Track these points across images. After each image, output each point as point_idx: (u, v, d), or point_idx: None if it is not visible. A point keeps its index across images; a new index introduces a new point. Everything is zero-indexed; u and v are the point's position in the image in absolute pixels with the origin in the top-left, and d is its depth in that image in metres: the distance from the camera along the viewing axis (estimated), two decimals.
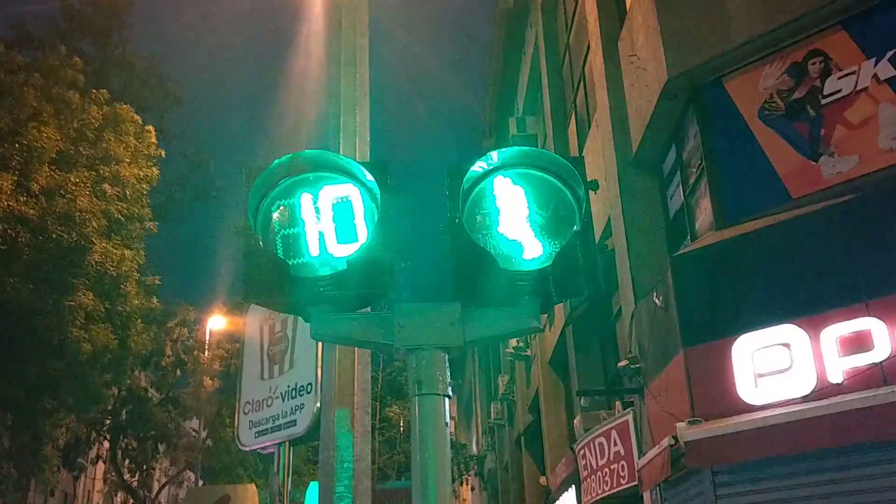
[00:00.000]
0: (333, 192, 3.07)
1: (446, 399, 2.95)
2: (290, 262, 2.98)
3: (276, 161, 3.11)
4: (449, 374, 2.97)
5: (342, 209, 3.05)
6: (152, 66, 21.59)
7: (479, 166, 3.03)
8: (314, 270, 3.00)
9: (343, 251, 2.98)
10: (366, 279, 2.94)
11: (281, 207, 3.09)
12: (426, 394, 2.89)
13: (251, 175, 3.07)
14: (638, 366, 10.77)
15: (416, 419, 2.88)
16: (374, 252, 2.91)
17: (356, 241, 3.00)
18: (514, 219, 3.01)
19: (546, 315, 18.30)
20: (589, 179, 3.06)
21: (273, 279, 2.95)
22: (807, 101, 8.90)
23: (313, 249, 3.02)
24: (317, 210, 3.05)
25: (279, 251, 3.02)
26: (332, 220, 3.03)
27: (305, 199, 3.07)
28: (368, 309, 3.18)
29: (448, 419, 2.93)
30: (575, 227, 2.97)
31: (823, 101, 8.76)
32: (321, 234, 3.02)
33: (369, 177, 3.03)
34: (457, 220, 2.95)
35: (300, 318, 6.64)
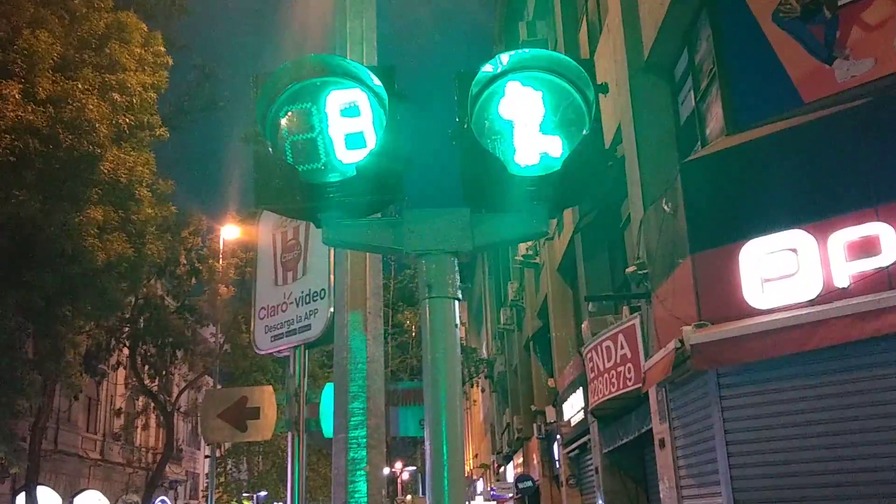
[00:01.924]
0: (341, 97, 3.08)
1: (456, 302, 3.02)
2: (300, 168, 3.02)
3: (283, 66, 3.11)
4: (458, 277, 3.05)
5: (350, 114, 3.07)
6: None
7: (487, 69, 3.02)
8: (324, 176, 3.03)
9: (352, 157, 3.01)
10: (375, 185, 2.98)
11: (289, 113, 3.10)
12: (436, 297, 2.97)
13: (258, 81, 3.08)
14: (646, 271, 10.88)
15: (427, 322, 2.97)
16: (383, 158, 2.94)
17: (365, 146, 3.02)
18: (523, 123, 3.02)
19: (555, 221, 18.39)
20: (599, 83, 3.05)
21: (283, 185, 3.00)
22: (823, 2, 8.69)
23: (323, 155, 3.05)
24: (325, 115, 3.06)
25: (289, 157, 3.05)
26: (340, 126, 3.05)
27: (314, 105, 3.08)
28: (379, 215, 3.23)
29: (458, 322, 3.02)
30: (585, 130, 2.98)
31: (840, 2, 8.55)
32: (330, 140, 3.04)
33: (377, 81, 3.03)
34: (465, 125, 2.97)
35: (312, 226, 6.73)
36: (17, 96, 13.29)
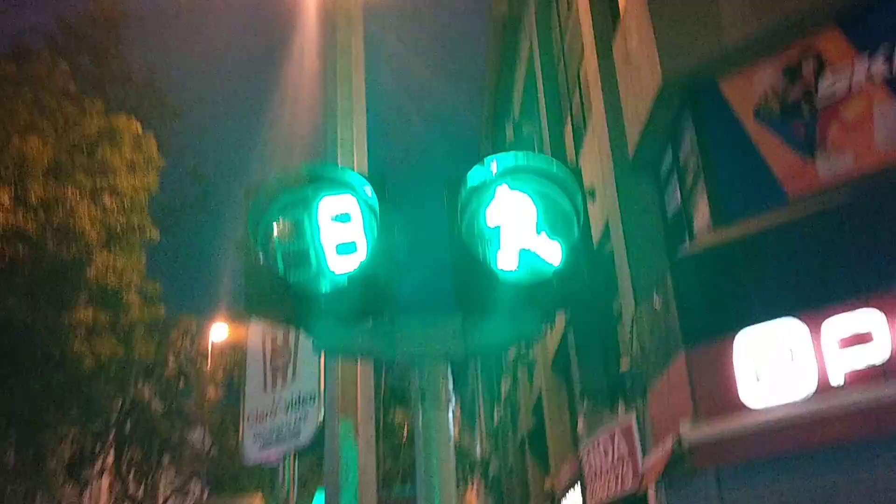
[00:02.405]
0: (333, 205, 3.08)
1: (450, 414, 2.96)
2: (291, 278, 3.00)
3: (275, 176, 3.13)
4: (452, 383, 2.99)
5: (341, 222, 3.07)
6: (150, 79, 21.64)
7: (477, 176, 3.05)
8: (315, 285, 3.01)
9: (343, 264, 2.99)
10: (366, 293, 2.95)
11: (281, 223, 3.11)
12: (429, 409, 2.90)
13: (250, 192, 3.09)
14: (639, 368, 10.78)
15: (420, 433, 2.89)
16: (373, 266, 2.92)
17: (355, 252, 3.01)
18: (513, 229, 3.02)
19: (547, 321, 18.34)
20: (587, 183, 3.07)
21: (274, 294, 2.97)
22: (802, 100, 8.92)
23: (314, 264, 3.03)
24: (316, 225, 3.07)
25: (280, 267, 3.04)
26: (331, 235, 3.05)
27: (305, 214, 3.09)
28: (370, 321, 3.18)
29: (452, 433, 2.94)
30: (574, 235, 2.99)
31: (818, 101, 8.78)
32: (321, 249, 3.04)
33: (368, 192, 3.04)
34: (456, 232, 2.97)
35: (302, 331, 6.66)
36: (7, 202, 13.37)
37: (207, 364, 25.55)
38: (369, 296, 2.95)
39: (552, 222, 3.05)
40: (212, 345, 25.68)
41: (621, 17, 11.59)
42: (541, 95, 17.73)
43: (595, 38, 12.69)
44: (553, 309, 3.15)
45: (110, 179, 15.26)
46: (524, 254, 2.98)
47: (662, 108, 10.27)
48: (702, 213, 9.95)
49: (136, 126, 16.59)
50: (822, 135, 8.69)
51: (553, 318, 3.10)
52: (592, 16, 12.91)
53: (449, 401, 2.92)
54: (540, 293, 2.93)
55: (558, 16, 16.86)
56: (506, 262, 2.97)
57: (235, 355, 24.31)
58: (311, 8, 6.13)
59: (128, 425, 25.40)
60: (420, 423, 2.88)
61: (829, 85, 8.76)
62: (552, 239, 3.01)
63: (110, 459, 26.65)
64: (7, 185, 13.74)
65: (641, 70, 10.57)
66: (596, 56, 12.56)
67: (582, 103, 14.77)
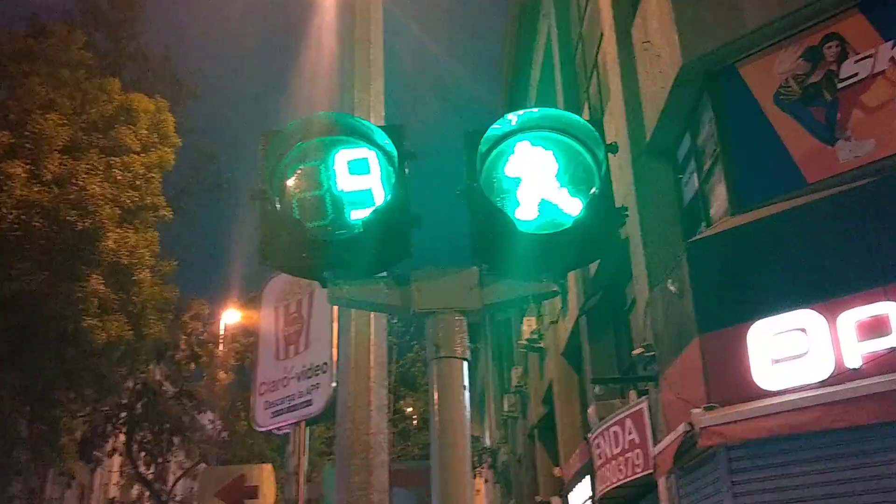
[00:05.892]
0: (350, 154, 3.05)
1: (465, 363, 2.92)
2: (307, 225, 2.97)
3: (292, 124, 3.09)
4: (468, 337, 2.94)
5: (359, 171, 3.03)
6: (166, 59, 21.69)
7: (496, 128, 3.01)
8: (330, 234, 2.98)
9: (359, 214, 2.96)
10: (382, 242, 2.91)
11: (297, 170, 3.07)
12: (444, 357, 2.87)
13: (267, 138, 3.06)
14: (653, 353, 10.73)
15: (434, 383, 2.86)
16: (389, 214, 2.89)
17: (373, 204, 2.98)
18: (532, 182, 2.98)
19: (559, 304, 18.27)
20: (609, 143, 3.01)
21: (289, 242, 2.93)
22: (823, 85, 8.82)
23: (330, 212, 3.00)
24: (333, 173, 3.03)
25: (295, 214, 3.01)
26: (348, 183, 3.02)
27: (322, 163, 3.06)
28: (385, 273, 3.15)
29: (467, 382, 2.90)
30: (594, 189, 2.94)
31: (840, 85, 8.68)
32: (338, 197, 3.01)
33: (386, 140, 3.01)
34: (474, 184, 2.93)
35: (315, 300, 6.65)
36: (23, 176, 13.44)
37: (219, 348, 25.65)
38: (384, 245, 2.92)
39: (573, 176, 3.00)
40: (224, 328, 25.76)
41: (641, 0, 11.49)
42: (558, 80, 17.65)
43: (614, 20, 12.59)
44: (572, 263, 3.11)
45: (124, 158, 15.30)
46: (543, 204, 2.94)
47: (681, 92, 10.19)
48: (719, 199, 9.87)
49: (154, 105, 16.61)
50: (842, 120, 8.59)
51: (570, 270, 3.06)
52: None
53: (465, 352, 2.89)
54: (559, 246, 2.89)
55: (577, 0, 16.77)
56: (524, 212, 2.93)
57: (247, 340, 24.39)
58: None
59: (139, 407, 25.52)
60: (434, 374, 2.85)
61: (851, 70, 8.66)
62: (572, 193, 2.97)
63: (122, 439, 26.80)
64: (23, 160, 13.82)
65: (661, 53, 10.49)
66: (615, 39, 12.47)
67: (599, 88, 14.68)
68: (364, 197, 3.01)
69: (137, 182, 15.42)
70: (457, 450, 2.76)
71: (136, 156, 15.60)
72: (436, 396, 2.82)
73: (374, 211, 2.92)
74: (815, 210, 8.36)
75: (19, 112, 14.49)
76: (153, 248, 16.04)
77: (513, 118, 3.03)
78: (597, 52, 14.66)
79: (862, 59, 8.59)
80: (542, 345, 21.93)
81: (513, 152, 3.02)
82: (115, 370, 16.14)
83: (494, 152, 3.04)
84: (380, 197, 2.99)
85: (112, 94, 15.77)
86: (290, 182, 3.06)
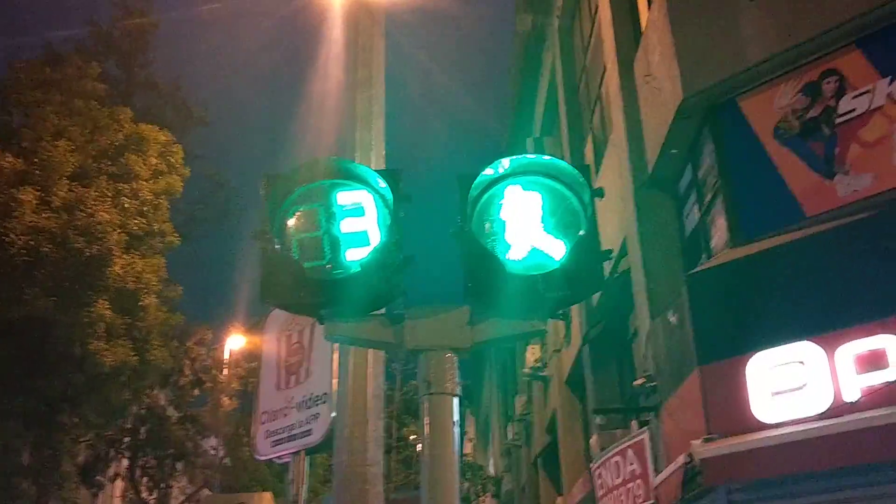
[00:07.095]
0: (348, 198, 3.18)
1: (455, 399, 3.02)
2: (305, 265, 3.09)
3: (294, 168, 3.22)
4: (458, 374, 3.05)
5: (355, 214, 3.16)
6: (176, 87, 21.98)
7: (488, 172, 3.12)
8: (328, 273, 3.10)
9: (356, 255, 3.08)
10: (378, 282, 3.03)
11: (297, 212, 3.20)
12: (435, 393, 2.97)
13: (269, 181, 3.19)
14: (654, 384, 10.75)
15: (425, 418, 2.96)
16: (385, 255, 3.00)
17: (368, 245, 3.10)
18: (522, 225, 3.09)
19: (563, 332, 18.31)
20: (605, 198, 3.15)
21: (289, 281, 3.06)
22: (821, 120, 8.93)
23: (328, 252, 3.12)
24: (332, 215, 3.16)
25: (295, 254, 3.13)
26: (346, 225, 3.14)
27: (321, 204, 3.18)
28: (382, 312, 3.26)
29: (457, 418, 3.00)
30: (581, 232, 3.05)
31: (838, 120, 8.79)
32: (336, 239, 3.13)
33: (382, 184, 3.13)
34: (466, 223, 3.04)
35: (316, 331, 6.74)
36: (33, 202, 13.63)
37: (223, 374, 25.71)
38: (380, 285, 3.03)
39: (560, 220, 3.12)
40: (228, 353, 25.84)
41: (643, 33, 11.66)
42: (562, 111, 17.82)
43: (617, 54, 12.77)
44: (560, 303, 3.21)
45: (133, 185, 15.48)
46: (532, 249, 3.04)
47: (682, 125, 10.30)
48: (719, 231, 9.95)
49: (164, 135, 16.84)
50: (841, 155, 8.69)
51: (557, 313, 3.17)
52: (615, 32, 12.99)
53: (455, 388, 2.99)
54: (547, 287, 2.99)
55: (581, 32, 16.97)
56: (514, 253, 3.04)
57: (251, 366, 24.45)
58: (337, 18, 6.25)
59: (142, 431, 25.53)
60: (425, 409, 2.95)
61: (849, 105, 8.77)
62: (560, 236, 3.08)
63: (124, 464, 26.78)
64: (33, 186, 14.01)
65: (662, 86, 10.62)
66: (617, 72, 12.63)
67: (602, 119, 14.84)
68: (360, 238, 3.13)
69: (145, 209, 15.59)
70: (445, 484, 2.84)
71: (144, 182, 15.79)
72: (426, 430, 2.92)
73: (370, 252, 3.03)
74: (814, 243, 8.42)
75: (31, 139, 14.71)
76: (160, 274, 16.18)
77: (506, 163, 3.15)
78: (600, 85, 14.84)
79: (860, 94, 8.69)
80: (545, 373, 21.93)
81: (503, 196, 3.14)
82: (120, 394, 16.19)
83: (486, 196, 3.16)
84: (375, 238, 3.12)
85: (123, 123, 15.98)
86: (291, 223, 3.19)
